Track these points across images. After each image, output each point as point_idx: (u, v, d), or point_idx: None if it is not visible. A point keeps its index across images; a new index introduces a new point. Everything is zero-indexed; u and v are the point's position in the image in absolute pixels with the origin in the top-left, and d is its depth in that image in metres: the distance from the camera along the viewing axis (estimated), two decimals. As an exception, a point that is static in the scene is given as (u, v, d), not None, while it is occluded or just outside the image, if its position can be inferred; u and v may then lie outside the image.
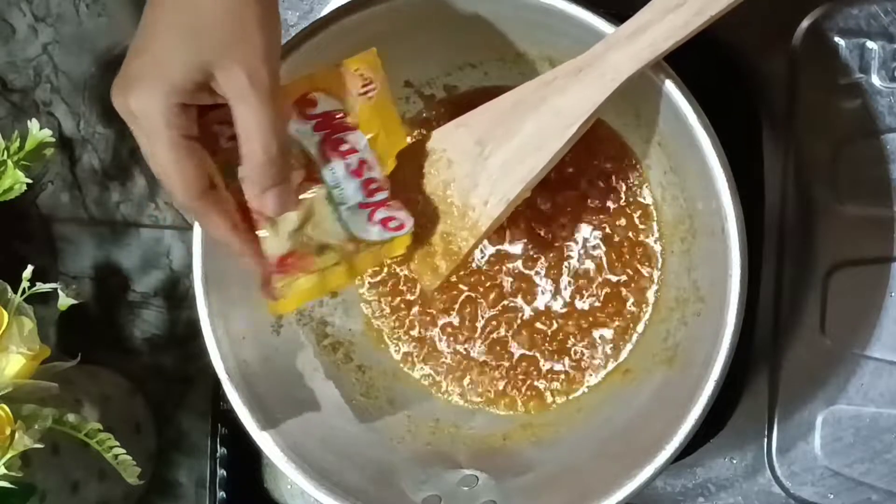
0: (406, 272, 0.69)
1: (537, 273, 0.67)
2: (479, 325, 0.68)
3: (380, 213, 0.56)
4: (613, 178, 0.66)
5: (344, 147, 0.55)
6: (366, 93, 0.55)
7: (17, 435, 0.59)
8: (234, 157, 0.51)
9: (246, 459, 0.74)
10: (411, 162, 0.59)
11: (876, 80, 0.65)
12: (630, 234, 0.66)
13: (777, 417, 0.67)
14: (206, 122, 0.51)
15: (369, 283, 0.69)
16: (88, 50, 0.77)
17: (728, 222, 0.54)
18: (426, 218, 0.59)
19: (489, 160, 0.57)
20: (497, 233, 0.67)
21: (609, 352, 0.66)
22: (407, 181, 0.59)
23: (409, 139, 0.60)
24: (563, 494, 0.60)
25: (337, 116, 0.55)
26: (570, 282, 0.67)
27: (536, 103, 0.56)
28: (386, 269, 0.69)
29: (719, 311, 0.54)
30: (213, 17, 0.48)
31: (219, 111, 0.50)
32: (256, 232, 0.54)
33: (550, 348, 0.67)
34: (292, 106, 0.54)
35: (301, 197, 0.54)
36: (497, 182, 0.57)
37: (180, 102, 0.48)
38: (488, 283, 0.68)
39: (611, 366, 0.66)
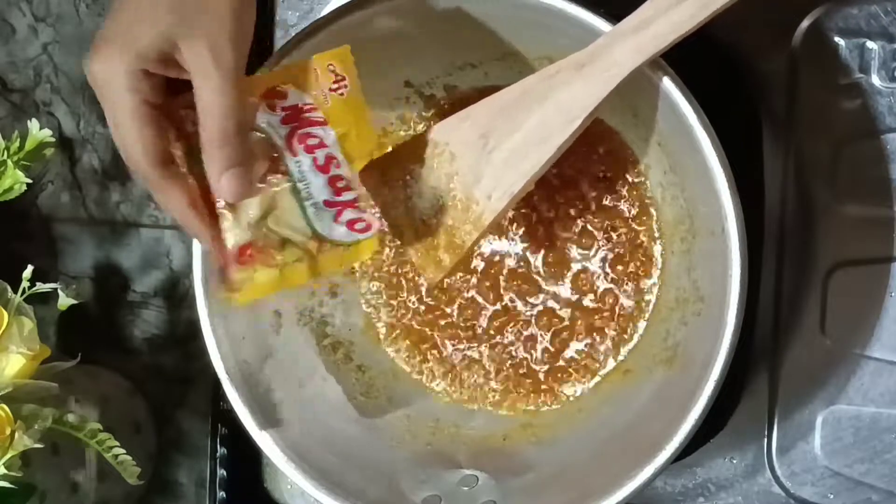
0: (406, 272, 0.69)
1: (537, 273, 0.67)
2: (480, 325, 0.68)
3: (347, 214, 0.55)
4: (613, 178, 0.66)
5: (312, 141, 0.54)
6: (337, 89, 0.55)
7: (17, 435, 0.59)
8: (198, 143, 0.51)
9: (246, 459, 0.74)
10: (413, 155, 0.59)
11: (876, 80, 0.65)
12: (630, 234, 0.66)
13: (777, 417, 0.67)
14: (174, 106, 0.51)
15: (370, 282, 0.69)
16: (88, 50, 0.77)
17: (728, 222, 0.54)
18: (429, 211, 0.59)
19: (493, 154, 0.57)
20: (497, 233, 0.67)
21: (609, 352, 0.66)
22: (408, 175, 0.59)
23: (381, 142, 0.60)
24: (563, 494, 0.60)
25: (306, 110, 0.54)
26: (570, 282, 0.67)
27: (540, 97, 0.56)
28: (386, 269, 0.69)
29: (719, 311, 0.54)
30: None
31: (187, 95, 0.50)
32: (218, 216, 0.53)
33: (551, 348, 0.67)
34: (261, 97, 0.54)
35: (264, 187, 0.53)
36: (501, 175, 0.57)
37: (143, 69, 0.49)
38: (488, 284, 0.68)
39: (611, 366, 0.66)
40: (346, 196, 0.55)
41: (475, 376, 0.68)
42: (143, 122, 0.49)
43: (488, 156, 0.57)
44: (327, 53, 0.55)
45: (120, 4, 0.50)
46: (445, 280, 0.66)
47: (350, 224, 0.55)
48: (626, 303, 0.66)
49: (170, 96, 0.51)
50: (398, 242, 0.66)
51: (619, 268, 0.66)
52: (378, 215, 0.56)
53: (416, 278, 0.69)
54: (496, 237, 0.67)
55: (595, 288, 0.66)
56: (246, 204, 0.53)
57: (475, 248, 0.64)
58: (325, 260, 0.56)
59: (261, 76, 0.54)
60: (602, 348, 0.66)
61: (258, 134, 0.54)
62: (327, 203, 0.55)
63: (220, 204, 0.53)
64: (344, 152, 0.55)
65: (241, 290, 0.55)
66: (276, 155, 0.54)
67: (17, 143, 0.66)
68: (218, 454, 0.73)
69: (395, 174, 0.60)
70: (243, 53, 0.50)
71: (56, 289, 0.65)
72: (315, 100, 0.55)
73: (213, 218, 0.53)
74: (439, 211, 0.59)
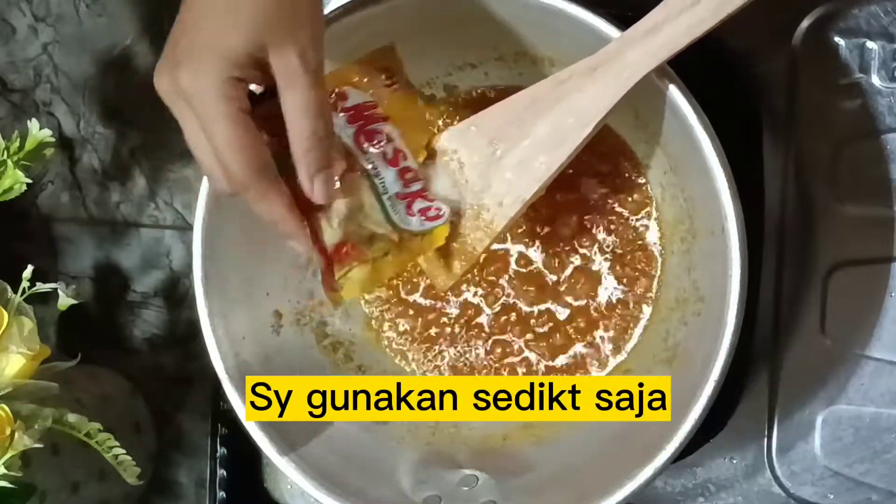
0: (406, 272, 0.69)
1: (538, 273, 0.67)
2: (480, 325, 0.68)
3: (417, 204, 0.57)
4: (613, 178, 0.66)
5: (379, 137, 0.56)
6: (391, 85, 0.56)
7: (17, 435, 0.59)
8: (281, 149, 0.51)
9: (246, 459, 0.74)
10: (424, 162, 0.59)
11: (876, 80, 0.65)
12: (630, 234, 0.66)
13: (777, 417, 0.67)
14: (256, 114, 0.51)
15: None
16: (88, 50, 0.77)
17: (728, 222, 0.54)
18: None
19: (503, 160, 0.57)
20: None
21: (609, 352, 0.66)
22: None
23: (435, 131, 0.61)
24: (563, 494, 0.59)
25: (368, 108, 0.56)
26: (570, 282, 0.67)
27: (551, 103, 0.56)
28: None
29: (719, 311, 0.54)
30: None
31: (270, 102, 0.50)
32: (316, 219, 0.54)
33: (551, 349, 0.67)
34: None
35: (347, 186, 0.55)
36: (512, 182, 0.57)
37: (235, 77, 0.48)
38: (489, 284, 0.68)
39: (611, 366, 0.66)
40: (415, 186, 0.57)
41: (475, 376, 0.68)
42: (243, 130, 0.48)
43: (498, 162, 0.57)
44: (376, 51, 0.56)
45: (191, 21, 0.49)
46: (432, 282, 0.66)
47: (422, 212, 0.57)
48: (626, 302, 0.66)
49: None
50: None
51: (619, 268, 0.66)
52: (443, 202, 0.57)
53: (416, 278, 0.69)
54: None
55: (595, 288, 0.66)
56: (335, 205, 0.54)
57: (485, 253, 0.64)
58: (408, 250, 0.57)
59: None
60: (602, 348, 0.66)
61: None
62: (399, 195, 0.56)
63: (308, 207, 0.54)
64: (407, 144, 0.57)
65: (343, 290, 0.56)
66: (349, 154, 0.55)
67: (17, 143, 0.66)
68: (218, 454, 0.73)
69: None
70: (323, 55, 0.50)
71: (56, 289, 0.65)
72: (375, 97, 0.56)
73: (304, 219, 0.53)
74: (450, 218, 0.59)
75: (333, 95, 0.55)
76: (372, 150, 0.56)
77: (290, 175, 0.51)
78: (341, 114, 0.55)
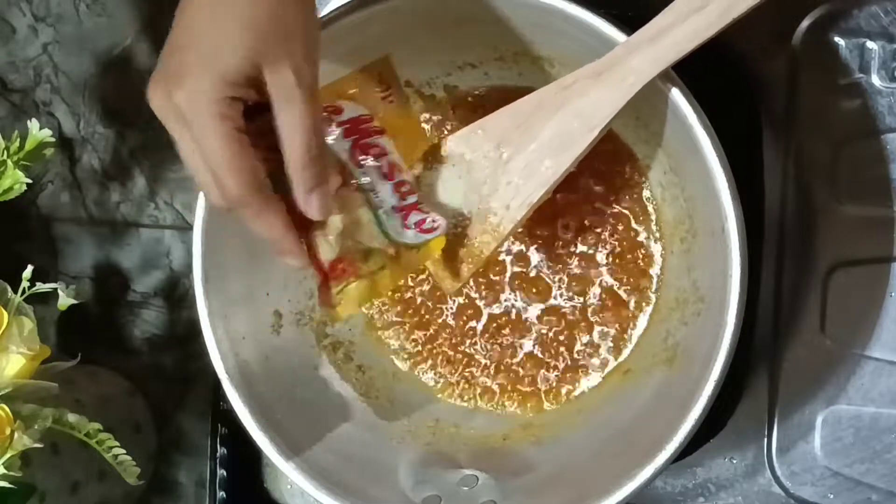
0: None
1: (538, 273, 0.67)
2: (480, 325, 0.68)
3: (413, 216, 0.57)
4: (613, 178, 0.66)
5: (374, 151, 0.55)
6: (387, 97, 0.56)
7: (17, 435, 0.59)
8: (275, 166, 0.50)
9: (246, 459, 0.74)
10: (428, 167, 0.59)
11: (876, 80, 0.65)
12: (630, 234, 0.66)
13: (777, 417, 0.67)
14: (249, 131, 0.50)
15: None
16: (88, 50, 0.77)
17: (728, 222, 0.54)
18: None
19: (509, 164, 0.57)
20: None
21: (609, 352, 0.66)
22: (423, 186, 0.59)
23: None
24: (563, 494, 0.59)
25: (363, 121, 0.55)
26: (570, 282, 0.67)
27: (557, 107, 0.56)
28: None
29: (719, 311, 0.54)
30: (259, 15, 0.48)
31: (263, 119, 0.50)
32: (313, 236, 0.54)
33: (551, 348, 0.67)
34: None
35: (343, 201, 0.54)
36: (519, 185, 0.57)
37: (231, 95, 0.48)
38: (488, 283, 0.68)
39: (611, 366, 0.66)
40: (410, 199, 0.56)
41: (475, 376, 0.68)
42: (238, 149, 0.48)
43: (505, 166, 0.57)
44: (372, 63, 0.56)
45: (185, 38, 0.49)
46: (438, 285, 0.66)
47: (418, 225, 0.56)
48: (626, 303, 0.66)
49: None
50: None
51: (619, 267, 0.66)
52: (439, 213, 0.57)
53: (416, 278, 0.69)
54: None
55: (595, 288, 0.66)
56: (330, 221, 0.53)
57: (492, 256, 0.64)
58: (404, 264, 0.57)
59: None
60: (602, 348, 0.66)
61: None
62: (395, 209, 0.56)
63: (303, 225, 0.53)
64: (402, 156, 0.56)
65: (341, 305, 0.56)
66: (343, 169, 0.55)
67: (17, 143, 0.66)
68: (218, 454, 0.73)
69: None
70: (317, 71, 0.50)
71: (56, 289, 0.65)
72: (371, 111, 0.56)
73: (299, 236, 0.53)
74: (457, 222, 0.59)
75: (328, 109, 0.55)
76: (368, 163, 0.55)
77: (286, 192, 0.51)
78: (337, 128, 0.55)
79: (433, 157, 0.60)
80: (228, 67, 0.47)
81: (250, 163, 0.49)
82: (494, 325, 0.68)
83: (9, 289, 0.64)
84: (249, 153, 0.49)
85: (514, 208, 0.58)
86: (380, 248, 0.56)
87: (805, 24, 0.66)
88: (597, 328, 0.66)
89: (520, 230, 0.67)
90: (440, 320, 0.69)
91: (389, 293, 0.69)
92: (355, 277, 0.55)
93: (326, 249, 0.54)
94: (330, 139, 0.54)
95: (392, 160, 0.56)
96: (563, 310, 0.67)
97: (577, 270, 0.67)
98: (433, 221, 0.57)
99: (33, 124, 0.66)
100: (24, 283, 0.63)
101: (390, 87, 0.56)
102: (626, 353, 0.66)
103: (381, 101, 0.56)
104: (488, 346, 0.68)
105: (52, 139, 0.67)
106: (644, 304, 0.66)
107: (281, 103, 0.49)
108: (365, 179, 0.55)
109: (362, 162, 0.55)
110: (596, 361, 0.66)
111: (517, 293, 0.67)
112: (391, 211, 0.56)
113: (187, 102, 0.47)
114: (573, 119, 0.55)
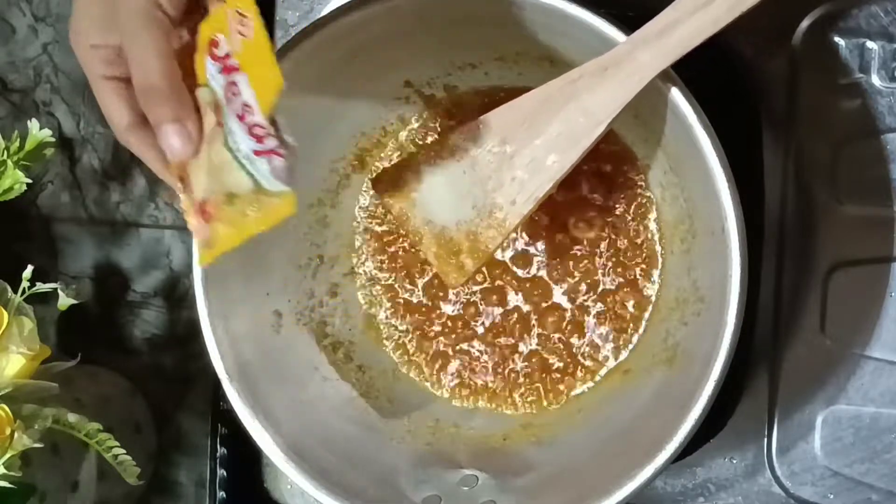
0: (406, 272, 0.69)
1: (538, 273, 0.67)
2: (480, 325, 0.68)
3: (267, 161, 0.51)
4: (613, 177, 0.66)
5: (234, 90, 0.51)
6: (244, 30, 0.51)
7: (17, 435, 0.59)
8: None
9: (246, 459, 0.74)
10: (431, 162, 0.59)
11: (876, 80, 0.65)
12: (630, 234, 0.66)
13: (777, 417, 0.67)
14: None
15: (370, 282, 0.69)
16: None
17: (728, 222, 0.54)
18: (449, 218, 0.59)
19: (514, 159, 0.57)
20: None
21: (609, 352, 0.66)
22: (427, 182, 0.59)
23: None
24: (563, 494, 0.59)
25: (230, 57, 0.51)
26: (569, 282, 0.67)
27: (563, 102, 0.56)
28: (387, 270, 0.69)
29: (719, 311, 0.54)
30: None
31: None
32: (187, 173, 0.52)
33: (550, 348, 0.67)
34: (205, 47, 0.52)
35: (209, 139, 0.52)
36: (524, 181, 0.57)
37: (95, 44, 0.51)
38: (489, 284, 0.68)
39: (611, 366, 0.66)
40: (269, 143, 0.51)
41: (475, 376, 0.68)
42: (107, 95, 0.51)
43: (510, 161, 0.57)
44: None
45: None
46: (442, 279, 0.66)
47: (274, 171, 0.51)
48: (626, 303, 0.66)
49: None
50: (417, 249, 0.65)
51: (619, 268, 0.66)
52: (294, 164, 0.52)
53: (416, 278, 0.69)
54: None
55: (595, 288, 0.66)
56: (197, 160, 0.52)
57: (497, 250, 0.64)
58: (268, 210, 0.53)
59: (202, 25, 0.52)
60: (602, 348, 0.66)
61: (205, 87, 0.52)
62: (256, 152, 0.51)
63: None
64: (256, 98, 0.51)
65: (210, 248, 0.53)
66: (218, 108, 0.52)
67: (17, 143, 0.66)
68: (218, 454, 0.73)
69: (412, 181, 0.60)
70: (178, 5, 0.50)
71: (56, 289, 0.65)
72: (230, 45, 0.51)
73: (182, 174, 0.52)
74: (461, 217, 0.59)
75: (211, 43, 0.51)
76: (231, 102, 0.51)
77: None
78: (216, 62, 0.51)
79: (437, 152, 0.59)
80: (89, 33, 0.52)
81: (118, 105, 0.52)
82: (494, 325, 0.68)
83: (9, 289, 0.64)
84: (117, 96, 0.52)
85: (519, 203, 0.58)
86: (241, 193, 0.52)
87: (805, 24, 0.65)
88: (597, 328, 0.66)
89: (519, 231, 0.67)
90: (440, 320, 0.69)
91: (389, 293, 0.69)
92: (219, 222, 0.53)
93: (198, 189, 0.52)
94: (211, 75, 0.51)
95: (245, 101, 0.51)
96: (563, 310, 0.67)
97: (576, 270, 0.67)
98: (282, 169, 0.51)
99: (33, 124, 0.66)
100: (24, 283, 0.63)
101: (248, 19, 0.50)
102: (625, 352, 0.66)
103: (239, 35, 0.51)
104: (488, 346, 0.68)
105: (52, 139, 0.67)
106: (644, 304, 0.66)
107: (127, 31, 0.50)
108: (226, 120, 0.52)
109: (229, 100, 0.51)
110: (596, 361, 0.66)
111: (517, 293, 0.67)
112: (251, 155, 0.51)
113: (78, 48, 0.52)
114: (579, 114, 0.55)
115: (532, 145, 0.57)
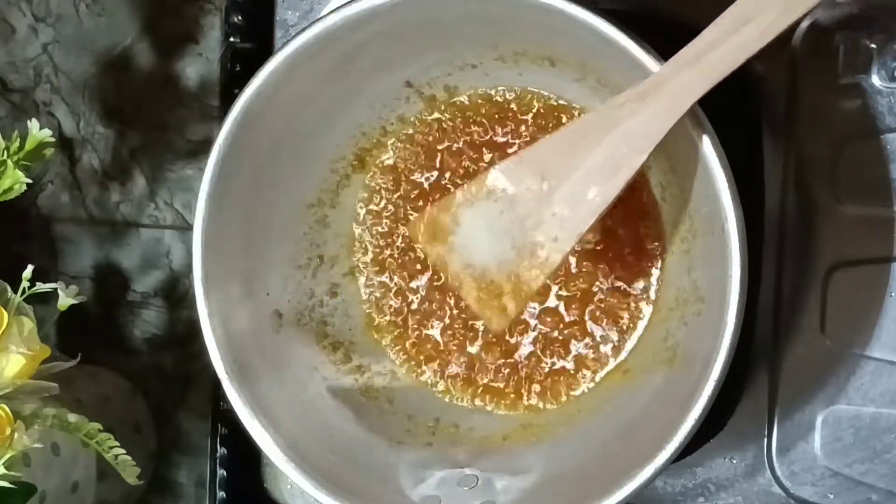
0: (407, 273, 0.69)
1: (537, 273, 0.67)
2: (480, 325, 0.68)
3: None
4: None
5: None
6: None
7: (16, 435, 0.59)
8: None
9: (246, 459, 0.74)
10: (468, 203, 0.58)
11: (876, 80, 0.65)
12: (630, 234, 0.66)
13: (777, 417, 0.67)
14: None
15: (370, 283, 0.70)
16: (88, 50, 0.78)
17: (728, 222, 0.54)
18: (490, 260, 0.58)
19: (554, 195, 0.56)
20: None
21: (609, 352, 0.66)
22: (464, 224, 0.58)
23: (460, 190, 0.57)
24: (563, 494, 0.60)
25: None
26: (569, 282, 0.67)
27: (602, 134, 0.54)
28: (387, 270, 0.69)
29: (719, 311, 0.54)
30: None
31: None
32: None
33: (550, 348, 0.67)
34: None
35: None
36: (565, 216, 0.56)
37: None
38: (488, 283, 0.68)
39: (611, 366, 0.66)
40: None
41: (475, 376, 0.68)
42: None
43: (549, 197, 0.56)
44: None
45: None
46: (445, 279, 0.66)
47: None
48: (626, 303, 0.66)
49: None
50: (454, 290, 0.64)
51: (619, 268, 0.66)
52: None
53: (416, 278, 0.69)
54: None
55: (594, 288, 0.66)
56: None
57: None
58: None
59: None
60: (602, 348, 0.66)
61: None
62: None
63: None
64: None
65: None
66: None
67: (17, 143, 0.66)
68: (218, 454, 0.73)
69: (448, 224, 0.59)
70: None
71: (56, 289, 0.65)
72: None
73: None
74: (501, 258, 0.58)
75: None
76: None
77: None
78: None
79: (472, 193, 0.58)
80: None
81: None
82: (494, 325, 0.68)
83: (9, 289, 0.64)
84: None
85: (561, 240, 0.56)
86: None
87: (805, 24, 0.65)
88: (596, 328, 0.66)
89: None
90: (441, 321, 0.69)
91: (389, 293, 0.69)
92: None
93: None
94: None
95: None
96: (563, 310, 0.67)
97: (576, 270, 0.67)
98: None
99: (33, 124, 0.66)
100: (24, 283, 0.63)
101: None
102: (625, 352, 0.66)
103: None
104: (488, 347, 0.68)
105: (52, 139, 0.67)
106: (644, 304, 0.66)
107: None
108: None
109: None
110: (596, 361, 0.66)
111: (517, 293, 0.67)
112: None
113: None
114: (621, 144, 0.54)
115: (573, 178, 0.55)
